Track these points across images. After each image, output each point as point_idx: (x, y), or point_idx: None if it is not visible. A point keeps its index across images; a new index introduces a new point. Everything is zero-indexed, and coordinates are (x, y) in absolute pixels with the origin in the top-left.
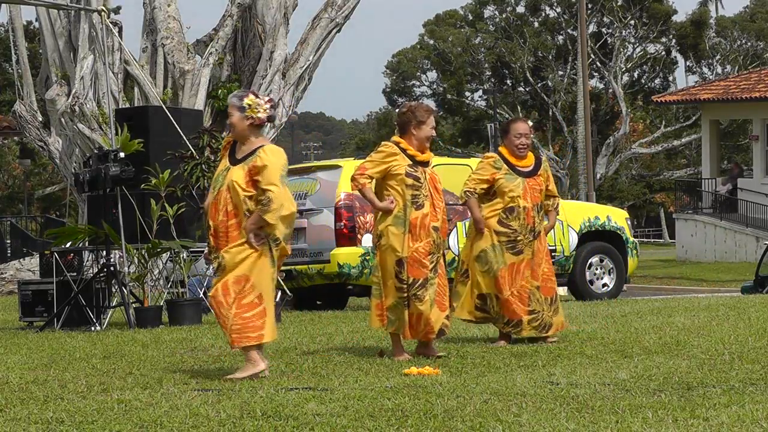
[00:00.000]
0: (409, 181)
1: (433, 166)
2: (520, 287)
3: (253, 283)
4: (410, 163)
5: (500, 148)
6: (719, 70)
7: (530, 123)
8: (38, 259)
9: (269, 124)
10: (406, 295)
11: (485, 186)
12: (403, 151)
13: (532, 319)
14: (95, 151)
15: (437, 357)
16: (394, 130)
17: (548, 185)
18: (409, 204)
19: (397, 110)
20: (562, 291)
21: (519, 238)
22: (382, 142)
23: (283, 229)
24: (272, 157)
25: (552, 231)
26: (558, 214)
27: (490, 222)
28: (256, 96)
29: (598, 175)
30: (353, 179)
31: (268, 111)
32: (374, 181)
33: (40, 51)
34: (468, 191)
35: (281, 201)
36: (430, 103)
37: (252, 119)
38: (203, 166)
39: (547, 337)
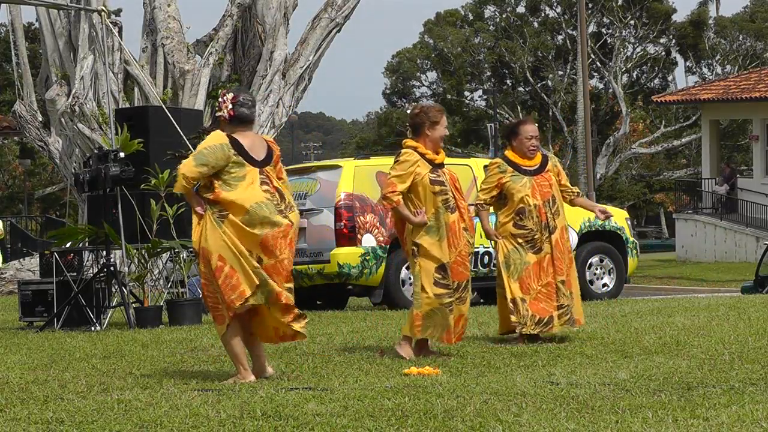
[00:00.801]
0: (436, 188)
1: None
2: (546, 284)
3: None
4: (431, 168)
5: (506, 152)
6: (719, 70)
7: (536, 123)
8: (38, 259)
9: (245, 120)
10: (450, 300)
11: (495, 193)
12: (422, 156)
13: (561, 314)
14: (95, 151)
15: (439, 356)
16: (393, 130)
17: (560, 180)
18: (443, 209)
19: (408, 112)
20: None
21: (536, 236)
22: (401, 151)
23: (180, 187)
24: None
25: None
26: (584, 205)
27: (508, 227)
28: (227, 92)
29: (598, 175)
30: (385, 198)
31: (230, 108)
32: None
33: (40, 51)
34: (478, 204)
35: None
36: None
37: (220, 115)
38: None
39: (572, 329)
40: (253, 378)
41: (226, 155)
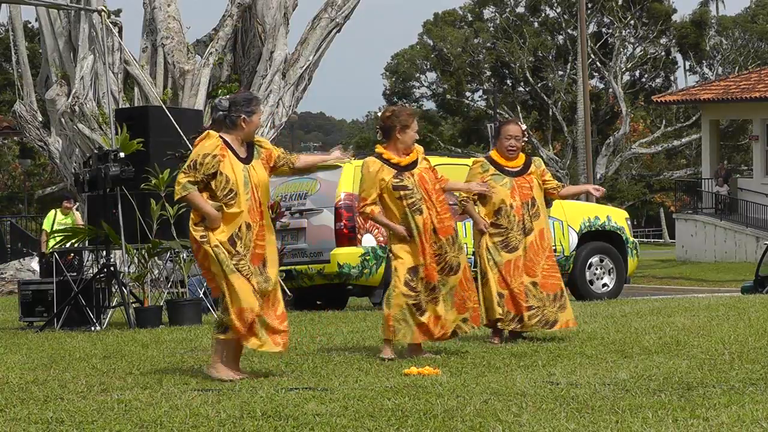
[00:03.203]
0: (399, 193)
1: (436, 165)
2: (518, 284)
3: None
4: (395, 173)
5: (491, 152)
6: (720, 70)
7: (524, 126)
8: (38, 259)
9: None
10: (415, 302)
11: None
12: (386, 161)
13: (531, 315)
14: (95, 151)
15: (428, 356)
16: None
17: (544, 179)
18: (410, 213)
19: (379, 115)
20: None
21: (510, 235)
22: (364, 160)
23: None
24: None
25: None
26: (573, 192)
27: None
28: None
29: (598, 175)
30: (360, 213)
31: None
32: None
33: (40, 51)
34: (463, 200)
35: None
36: (430, 104)
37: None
38: None
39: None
40: (231, 375)
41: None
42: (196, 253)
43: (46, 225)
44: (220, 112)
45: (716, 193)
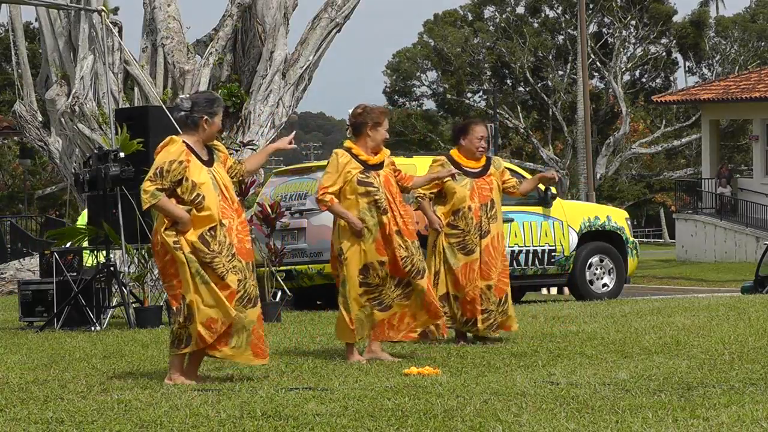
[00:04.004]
0: (362, 189)
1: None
2: (473, 287)
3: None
4: (362, 169)
5: (452, 151)
6: (719, 70)
7: (488, 125)
8: (38, 259)
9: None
10: (376, 298)
11: (435, 189)
12: (355, 157)
13: (484, 319)
14: (95, 151)
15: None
16: (393, 130)
17: (504, 180)
18: (374, 210)
19: (350, 111)
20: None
21: (467, 238)
22: (334, 150)
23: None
24: None
25: (552, 231)
26: (530, 185)
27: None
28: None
29: (598, 175)
30: (318, 201)
31: None
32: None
33: (40, 51)
34: (419, 196)
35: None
36: (430, 104)
37: None
38: None
39: (493, 336)
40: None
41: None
42: (160, 258)
43: (81, 223)
44: (182, 113)
45: (719, 194)
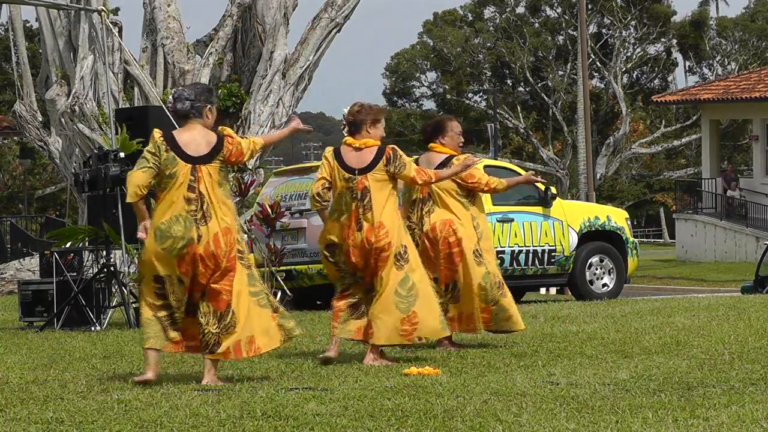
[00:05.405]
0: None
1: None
2: None
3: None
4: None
5: (431, 150)
6: (719, 70)
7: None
8: (38, 259)
9: (181, 114)
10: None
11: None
12: (338, 159)
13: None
14: (95, 151)
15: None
16: (393, 130)
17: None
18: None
19: (347, 109)
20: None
21: (416, 231)
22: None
23: (130, 196)
24: None
25: (552, 231)
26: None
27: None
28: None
29: (598, 175)
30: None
31: (171, 103)
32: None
33: (40, 51)
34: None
35: None
36: (430, 104)
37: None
38: None
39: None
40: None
41: (160, 152)
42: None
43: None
44: (187, 102)
45: (729, 197)
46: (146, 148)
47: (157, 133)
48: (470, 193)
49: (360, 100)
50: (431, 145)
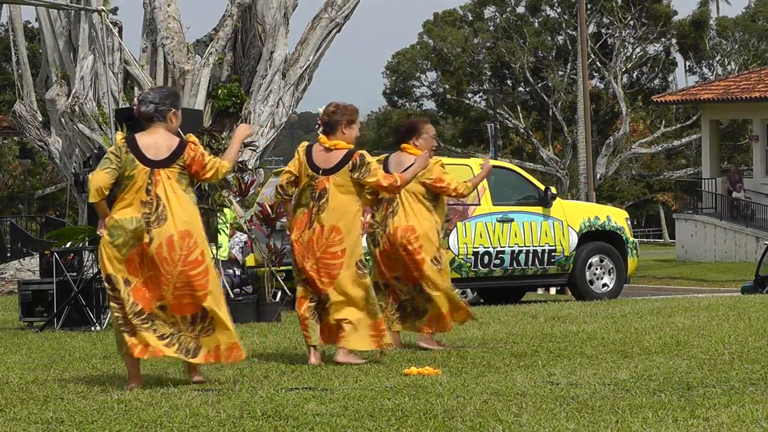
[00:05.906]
0: (311, 172)
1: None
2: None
3: None
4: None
5: (405, 146)
6: (719, 70)
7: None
8: (38, 259)
9: (144, 117)
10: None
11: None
12: (308, 155)
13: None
14: (95, 151)
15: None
16: (393, 130)
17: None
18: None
19: (322, 109)
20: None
21: (378, 230)
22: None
23: (92, 196)
24: None
25: (552, 231)
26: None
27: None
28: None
29: (598, 175)
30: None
31: (135, 106)
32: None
33: (40, 51)
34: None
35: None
36: (430, 104)
37: None
38: None
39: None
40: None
41: (121, 153)
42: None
43: None
44: (151, 105)
45: (735, 198)
46: (109, 149)
47: (119, 135)
48: (436, 197)
49: (336, 101)
50: (403, 145)
